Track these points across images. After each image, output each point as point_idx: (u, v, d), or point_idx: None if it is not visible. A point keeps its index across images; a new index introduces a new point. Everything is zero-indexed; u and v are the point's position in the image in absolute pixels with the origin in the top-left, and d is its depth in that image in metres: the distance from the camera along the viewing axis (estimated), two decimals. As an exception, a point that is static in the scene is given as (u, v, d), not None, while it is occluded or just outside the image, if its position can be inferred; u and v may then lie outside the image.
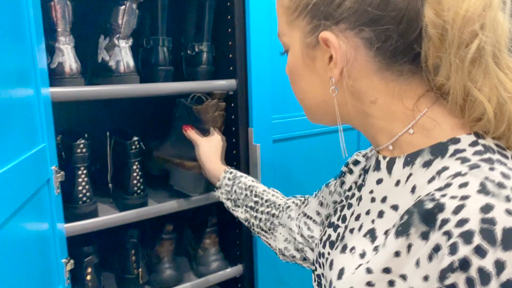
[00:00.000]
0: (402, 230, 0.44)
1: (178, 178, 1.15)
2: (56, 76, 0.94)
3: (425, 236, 0.41)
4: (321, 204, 0.79)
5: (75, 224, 0.98)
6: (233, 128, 1.21)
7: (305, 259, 0.85)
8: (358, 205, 0.57)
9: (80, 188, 1.01)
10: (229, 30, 1.14)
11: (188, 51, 1.16)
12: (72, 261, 0.94)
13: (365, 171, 0.61)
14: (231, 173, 0.97)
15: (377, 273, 0.45)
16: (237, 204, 0.94)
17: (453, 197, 0.40)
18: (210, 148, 1.03)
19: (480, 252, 0.37)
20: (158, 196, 1.18)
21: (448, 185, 0.42)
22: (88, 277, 1.05)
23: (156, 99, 1.18)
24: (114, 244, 1.19)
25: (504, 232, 0.37)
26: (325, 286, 0.59)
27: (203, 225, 1.26)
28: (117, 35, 1.00)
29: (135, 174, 1.08)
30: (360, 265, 0.49)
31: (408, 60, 0.50)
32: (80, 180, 1.01)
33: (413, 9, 0.48)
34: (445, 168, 0.45)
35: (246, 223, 0.94)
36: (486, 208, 0.38)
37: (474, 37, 0.45)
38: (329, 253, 0.60)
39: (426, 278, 0.41)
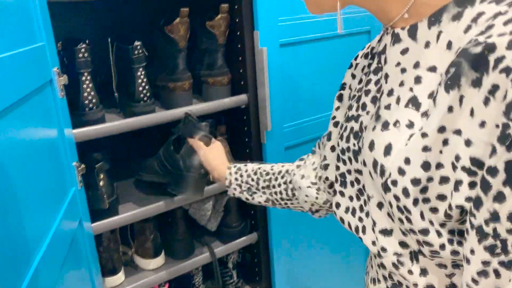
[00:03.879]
0: (452, 83, 0.43)
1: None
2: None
3: (477, 83, 0.40)
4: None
5: (83, 130, 0.98)
6: (238, 33, 1.17)
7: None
8: (386, 82, 0.54)
9: (85, 94, 1.00)
10: None
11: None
12: (83, 166, 0.96)
13: (380, 53, 0.58)
14: (234, 167, 0.95)
15: (433, 135, 0.45)
16: (253, 191, 0.91)
17: (501, 35, 0.39)
18: (211, 153, 1.01)
19: None
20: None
21: (490, 27, 0.41)
22: (101, 183, 1.06)
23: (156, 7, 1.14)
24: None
25: None
26: (352, 182, 0.61)
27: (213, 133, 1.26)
28: None
29: (140, 80, 1.06)
30: (411, 134, 0.48)
31: None
32: (84, 86, 1.00)
33: None
34: (480, 14, 0.44)
35: (270, 204, 0.91)
36: None
37: None
38: (354, 144, 0.60)
39: (482, 124, 0.40)
